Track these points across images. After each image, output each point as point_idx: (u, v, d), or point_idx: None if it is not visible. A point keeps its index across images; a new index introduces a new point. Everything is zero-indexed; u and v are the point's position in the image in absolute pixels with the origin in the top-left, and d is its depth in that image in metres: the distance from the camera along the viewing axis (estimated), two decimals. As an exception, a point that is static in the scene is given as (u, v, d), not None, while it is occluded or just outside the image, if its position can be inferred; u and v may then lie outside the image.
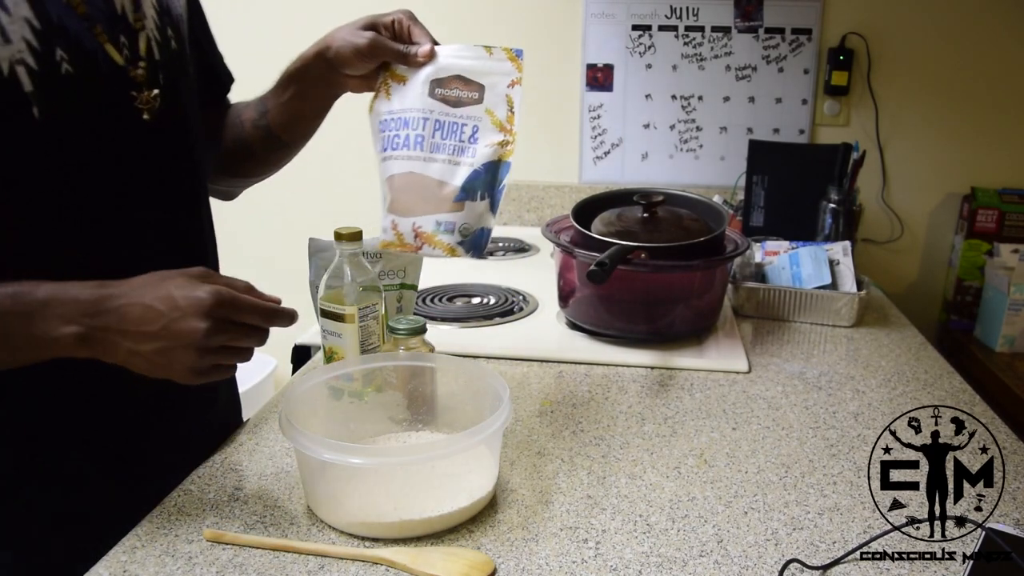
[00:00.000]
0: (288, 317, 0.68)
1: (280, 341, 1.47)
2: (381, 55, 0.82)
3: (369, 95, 0.85)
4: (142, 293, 0.63)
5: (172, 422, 0.81)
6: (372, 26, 0.83)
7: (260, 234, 2.03)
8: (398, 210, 0.78)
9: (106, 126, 0.70)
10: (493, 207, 0.78)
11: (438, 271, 1.47)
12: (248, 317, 0.65)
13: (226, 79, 0.97)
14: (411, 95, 0.79)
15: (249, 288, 0.68)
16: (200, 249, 0.86)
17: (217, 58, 0.95)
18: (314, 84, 0.87)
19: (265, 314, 0.66)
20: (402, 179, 0.78)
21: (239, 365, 0.69)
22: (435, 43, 0.82)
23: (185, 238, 0.82)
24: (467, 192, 0.76)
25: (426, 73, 0.80)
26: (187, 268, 0.66)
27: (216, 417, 0.90)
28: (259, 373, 1.97)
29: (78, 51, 0.67)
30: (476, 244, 0.77)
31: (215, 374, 0.66)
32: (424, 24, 0.84)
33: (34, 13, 0.64)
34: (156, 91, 0.74)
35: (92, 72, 0.68)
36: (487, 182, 0.76)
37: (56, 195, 0.68)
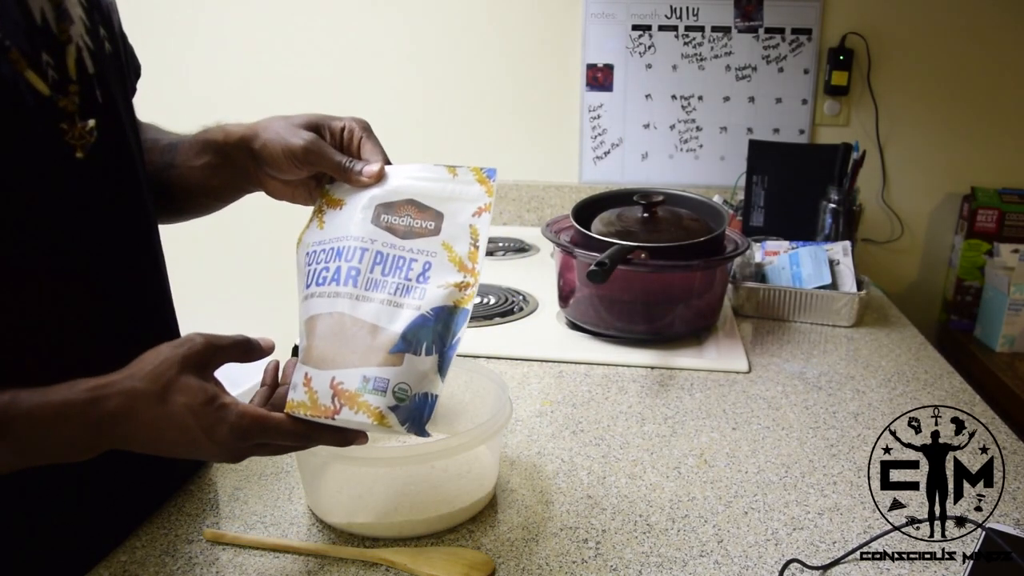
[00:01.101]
0: (343, 439, 0.59)
1: (280, 341, 1.46)
2: (317, 164, 0.66)
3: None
4: (159, 424, 0.55)
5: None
6: (315, 127, 0.67)
7: (260, 233, 2.03)
8: (314, 361, 0.59)
9: (35, 167, 0.58)
10: (442, 368, 0.59)
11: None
12: (279, 439, 0.58)
13: (135, 72, 0.77)
14: (350, 220, 0.63)
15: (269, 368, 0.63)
16: (158, 297, 0.74)
17: (128, 47, 0.76)
18: (229, 167, 0.71)
19: (297, 438, 0.59)
20: (325, 322, 0.59)
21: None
22: (387, 162, 0.66)
23: (141, 288, 0.70)
24: (408, 343, 0.57)
25: (371, 195, 0.63)
26: (173, 345, 0.56)
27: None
28: (259, 373, 1.97)
29: (2, 80, 0.54)
30: (415, 414, 0.57)
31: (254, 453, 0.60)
32: (377, 137, 0.69)
33: None
34: (92, 121, 0.61)
35: (16, 104, 0.56)
36: (437, 333, 0.58)
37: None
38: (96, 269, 0.64)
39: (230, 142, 0.70)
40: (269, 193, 0.71)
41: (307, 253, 0.63)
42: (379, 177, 0.65)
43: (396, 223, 0.62)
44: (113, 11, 0.68)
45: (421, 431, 0.58)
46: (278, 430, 0.57)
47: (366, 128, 0.69)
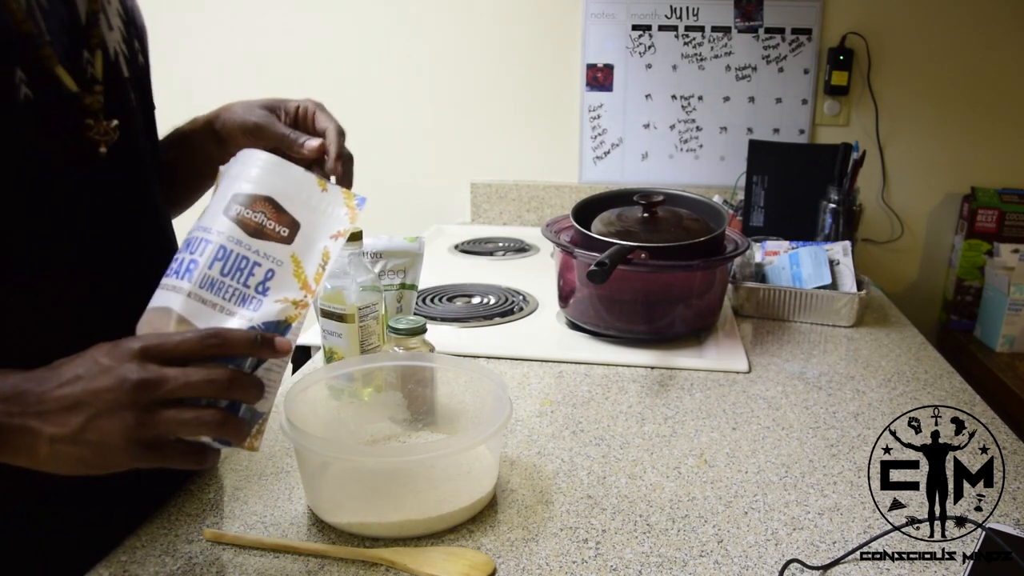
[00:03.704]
0: (254, 387, 0.53)
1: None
2: (267, 139, 0.70)
3: None
4: (65, 368, 0.52)
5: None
6: (271, 107, 0.72)
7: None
8: None
9: (62, 159, 0.61)
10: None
11: (438, 271, 1.47)
12: (195, 372, 0.51)
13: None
14: (209, 208, 0.58)
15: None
16: None
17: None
18: (198, 152, 0.77)
19: (207, 357, 0.52)
20: (153, 316, 0.55)
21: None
22: (342, 134, 0.67)
23: (155, 283, 0.70)
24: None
25: (235, 184, 0.59)
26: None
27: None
28: (259, 373, 1.97)
29: (38, 72, 0.58)
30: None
31: (169, 453, 0.53)
32: (332, 113, 0.71)
33: None
34: (115, 121, 0.64)
35: (49, 97, 0.59)
36: None
37: (3, 235, 0.58)
38: (113, 262, 0.66)
39: (197, 126, 0.76)
40: None
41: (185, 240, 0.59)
42: (318, 151, 0.68)
43: (248, 217, 0.57)
44: (144, 32, 0.73)
45: (241, 442, 0.55)
46: (189, 348, 0.52)
47: (319, 105, 0.72)
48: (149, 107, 0.74)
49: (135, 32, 0.70)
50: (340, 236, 0.59)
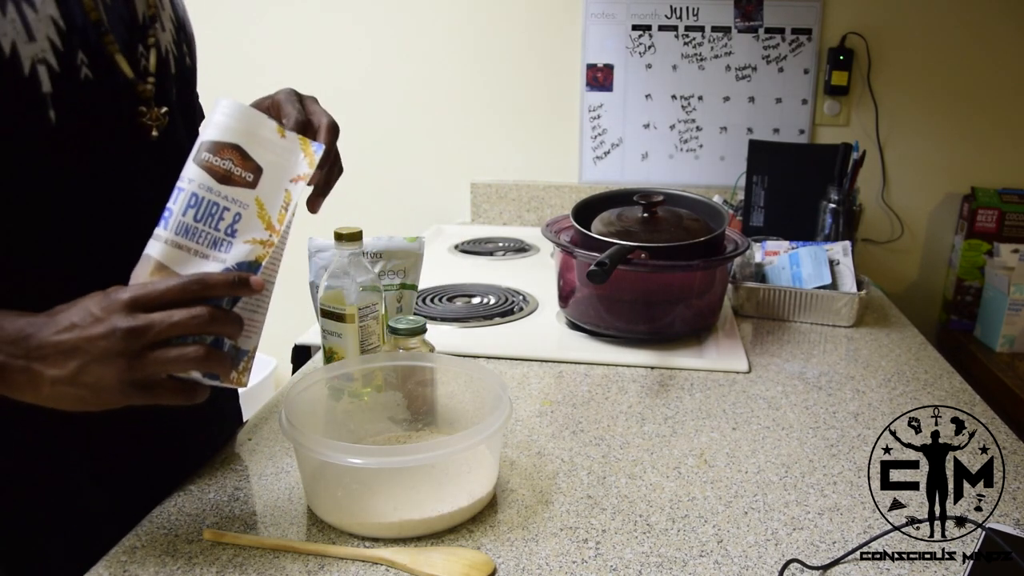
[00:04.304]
0: (233, 322, 0.58)
1: (280, 341, 1.47)
2: None
3: None
4: (62, 315, 0.56)
5: (171, 422, 0.81)
6: (256, 107, 0.74)
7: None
8: None
9: (117, 139, 0.68)
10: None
11: (438, 271, 1.47)
12: (177, 312, 0.55)
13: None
14: (190, 154, 0.62)
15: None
16: None
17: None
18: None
19: (195, 300, 0.56)
20: (137, 266, 0.59)
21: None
22: (299, 106, 0.70)
23: None
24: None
25: (204, 134, 0.62)
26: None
27: (216, 417, 0.90)
28: (259, 373, 1.97)
29: (99, 57, 0.65)
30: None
31: (160, 392, 0.58)
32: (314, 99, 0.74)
33: (60, 12, 0.61)
34: (165, 108, 0.72)
35: (111, 79, 0.66)
36: None
37: (58, 207, 0.65)
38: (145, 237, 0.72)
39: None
40: None
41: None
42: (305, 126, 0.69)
43: (217, 164, 0.61)
44: (193, 38, 0.80)
45: (228, 379, 0.60)
46: (176, 293, 0.56)
47: (288, 93, 0.73)
48: (192, 106, 0.80)
49: (184, 37, 0.77)
50: (300, 180, 0.63)
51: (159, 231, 0.59)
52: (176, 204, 0.59)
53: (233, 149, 0.61)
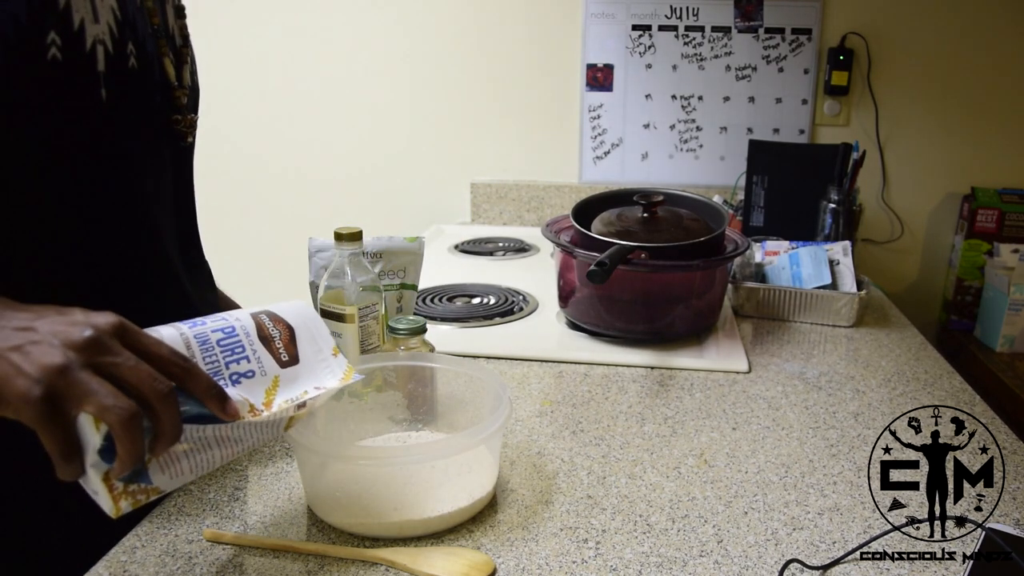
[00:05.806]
0: (174, 425, 0.51)
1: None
2: None
3: None
4: (51, 308, 0.53)
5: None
6: None
7: (260, 234, 2.03)
8: None
9: (156, 130, 0.74)
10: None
11: (438, 271, 1.47)
12: (147, 367, 0.51)
13: None
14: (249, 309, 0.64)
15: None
16: (206, 279, 0.89)
17: None
18: None
19: (169, 373, 0.52)
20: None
21: None
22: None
23: (189, 258, 0.84)
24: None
25: (276, 305, 0.64)
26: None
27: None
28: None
29: (143, 51, 0.71)
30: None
31: (55, 426, 0.48)
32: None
33: (117, 3, 0.67)
34: (194, 115, 0.79)
35: (151, 76, 0.72)
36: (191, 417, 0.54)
37: (101, 181, 0.70)
38: (186, 240, 0.83)
39: None
40: None
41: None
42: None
43: (266, 326, 0.61)
44: (197, 75, 0.85)
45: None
46: (159, 343, 0.53)
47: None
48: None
49: (193, 69, 0.83)
50: (323, 390, 0.62)
51: (181, 324, 0.57)
52: (212, 321, 0.59)
53: (287, 328, 0.63)
